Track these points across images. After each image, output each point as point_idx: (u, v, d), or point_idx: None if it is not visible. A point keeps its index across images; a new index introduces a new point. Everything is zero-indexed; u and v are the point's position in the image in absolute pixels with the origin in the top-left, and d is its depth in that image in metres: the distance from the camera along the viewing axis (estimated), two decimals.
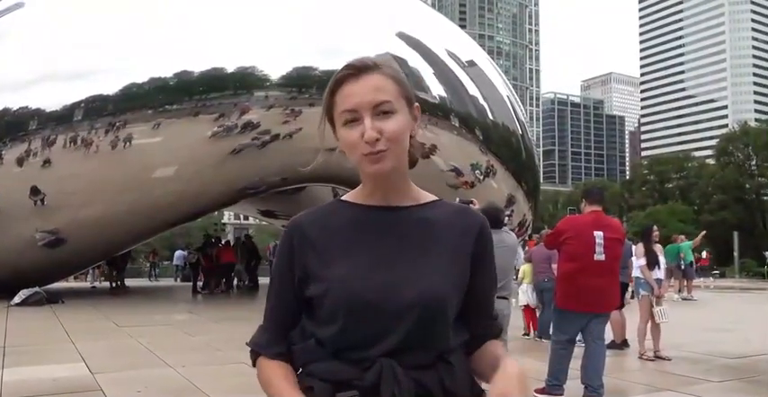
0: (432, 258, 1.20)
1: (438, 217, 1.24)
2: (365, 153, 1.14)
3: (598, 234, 4.96)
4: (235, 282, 19.21)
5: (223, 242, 20.15)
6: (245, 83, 12.62)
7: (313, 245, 1.22)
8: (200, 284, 18.02)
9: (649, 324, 7.14)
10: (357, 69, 1.17)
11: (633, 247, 7.67)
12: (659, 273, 7.42)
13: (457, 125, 14.12)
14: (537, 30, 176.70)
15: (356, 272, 1.17)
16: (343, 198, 1.29)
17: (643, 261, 7.15)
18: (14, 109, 12.04)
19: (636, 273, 7.50)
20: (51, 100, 11.96)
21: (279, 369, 1.23)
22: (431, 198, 1.28)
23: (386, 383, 1.11)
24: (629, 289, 8.74)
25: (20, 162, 11.79)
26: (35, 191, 11.81)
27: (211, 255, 17.69)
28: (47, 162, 11.82)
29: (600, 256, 4.93)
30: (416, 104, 1.22)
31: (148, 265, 27.40)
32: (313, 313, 1.21)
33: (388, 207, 1.23)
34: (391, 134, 1.14)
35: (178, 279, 23.51)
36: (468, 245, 1.24)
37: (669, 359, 6.87)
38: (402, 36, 13.82)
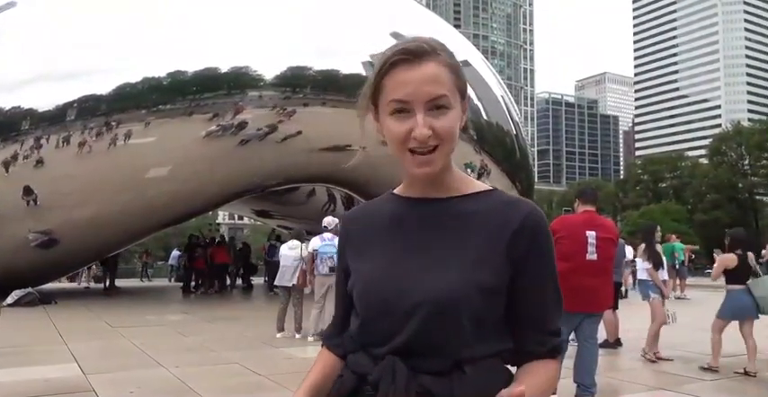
0: (458, 254, 1.09)
1: (478, 210, 1.12)
2: (412, 148, 1.06)
3: (590, 234, 4.97)
4: (228, 282, 19.17)
5: (217, 241, 20.06)
6: (238, 82, 12.60)
7: (352, 240, 1.23)
8: (192, 284, 17.90)
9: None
10: (413, 54, 1.06)
11: (627, 247, 7.62)
12: (663, 274, 7.39)
13: None
14: (531, 30, 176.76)
15: (378, 267, 1.14)
16: (393, 190, 1.24)
17: (649, 264, 7.02)
18: (7, 109, 11.98)
19: (642, 276, 7.26)
20: (44, 100, 11.91)
21: (320, 362, 1.27)
22: (480, 188, 1.17)
23: (384, 383, 1.06)
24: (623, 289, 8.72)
25: (12, 162, 11.73)
26: (28, 191, 11.76)
27: (203, 256, 17.53)
28: (39, 162, 11.77)
29: (592, 256, 4.94)
30: (468, 95, 1.13)
31: (141, 265, 27.29)
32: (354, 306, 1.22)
33: (425, 199, 1.16)
34: (444, 132, 1.06)
35: (172, 280, 23.44)
36: (503, 241, 1.09)
37: (671, 360, 6.87)
38: (396, 36, 13.77)
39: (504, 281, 1.10)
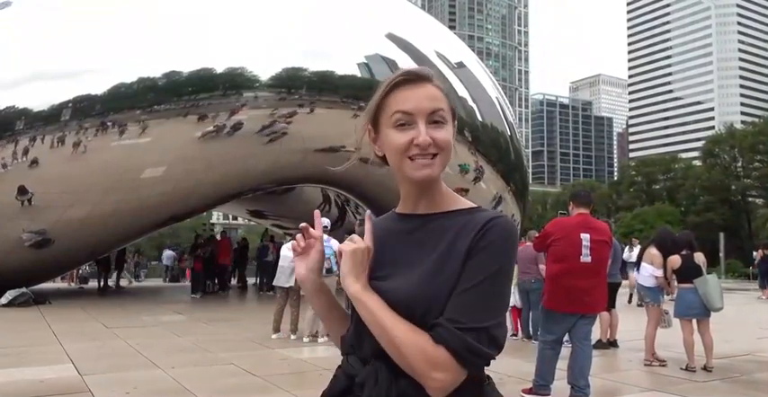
0: (429, 262, 1.17)
1: (455, 224, 1.20)
2: (413, 155, 1.17)
3: (585, 237, 5.02)
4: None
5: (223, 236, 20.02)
6: (234, 83, 12.58)
7: None
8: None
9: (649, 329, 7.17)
10: (415, 76, 1.21)
11: (636, 247, 7.52)
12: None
13: None
14: (526, 32, 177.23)
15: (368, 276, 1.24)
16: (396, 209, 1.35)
17: (660, 272, 7.00)
18: (1, 108, 11.92)
19: (648, 282, 7.15)
20: (39, 99, 11.86)
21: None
22: (465, 206, 1.25)
23: (368, 386, 1.15)
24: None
25: (7, 162, 11.69)
26: (22, 191, 11.72)
27: (205, 256, 17.37)
28: (34, 162, 11.72)
29: (586, 258, 4.99)
30: (455, 121, 1.27)
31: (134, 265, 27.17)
32: None
33: (411, 215, 1.27)
34: (442, 142, 1.18)
35: (167, 280, 23.39)
36: (464, 244, 1.15)
37: (665, 361, 6.90)
38: (391, 37, 13.84)
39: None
